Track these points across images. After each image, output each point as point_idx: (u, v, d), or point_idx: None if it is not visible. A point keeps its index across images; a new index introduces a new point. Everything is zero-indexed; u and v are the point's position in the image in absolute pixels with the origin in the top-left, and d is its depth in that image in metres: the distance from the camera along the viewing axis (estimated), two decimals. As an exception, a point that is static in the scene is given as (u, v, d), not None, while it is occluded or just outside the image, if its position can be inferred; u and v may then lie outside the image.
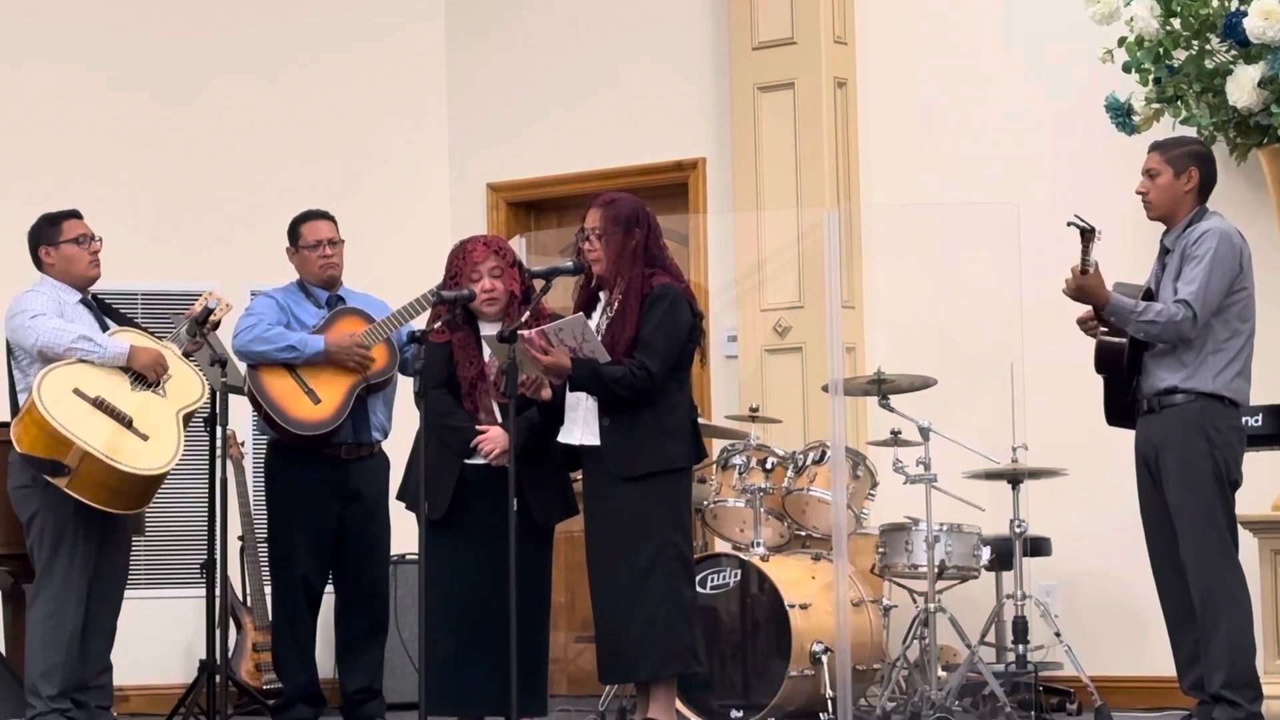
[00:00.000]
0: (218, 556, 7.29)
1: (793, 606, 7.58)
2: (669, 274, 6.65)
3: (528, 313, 6.66)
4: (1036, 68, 8.63)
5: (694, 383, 7.25)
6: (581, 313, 6.60)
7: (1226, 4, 7.49)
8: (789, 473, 7.98)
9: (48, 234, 7.25)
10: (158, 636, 8.95)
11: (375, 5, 9.94)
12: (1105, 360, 6.68)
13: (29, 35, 9.37)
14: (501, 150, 9.83)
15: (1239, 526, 6.64)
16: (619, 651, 6.55)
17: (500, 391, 6.63)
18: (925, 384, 7.90)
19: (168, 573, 9.21)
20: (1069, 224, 6.37)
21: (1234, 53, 7.48)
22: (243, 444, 9.06)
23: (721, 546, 8.27)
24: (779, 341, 8.88)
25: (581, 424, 6.63)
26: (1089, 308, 6.64)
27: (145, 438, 6.93)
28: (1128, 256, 7.16)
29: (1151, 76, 7.65)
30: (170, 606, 9.05)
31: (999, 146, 8.67)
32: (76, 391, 6.91)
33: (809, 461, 7.96)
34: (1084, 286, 6.49)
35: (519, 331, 6.46)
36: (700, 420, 6.91)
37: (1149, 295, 6.59)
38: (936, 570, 7.61)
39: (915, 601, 7.79)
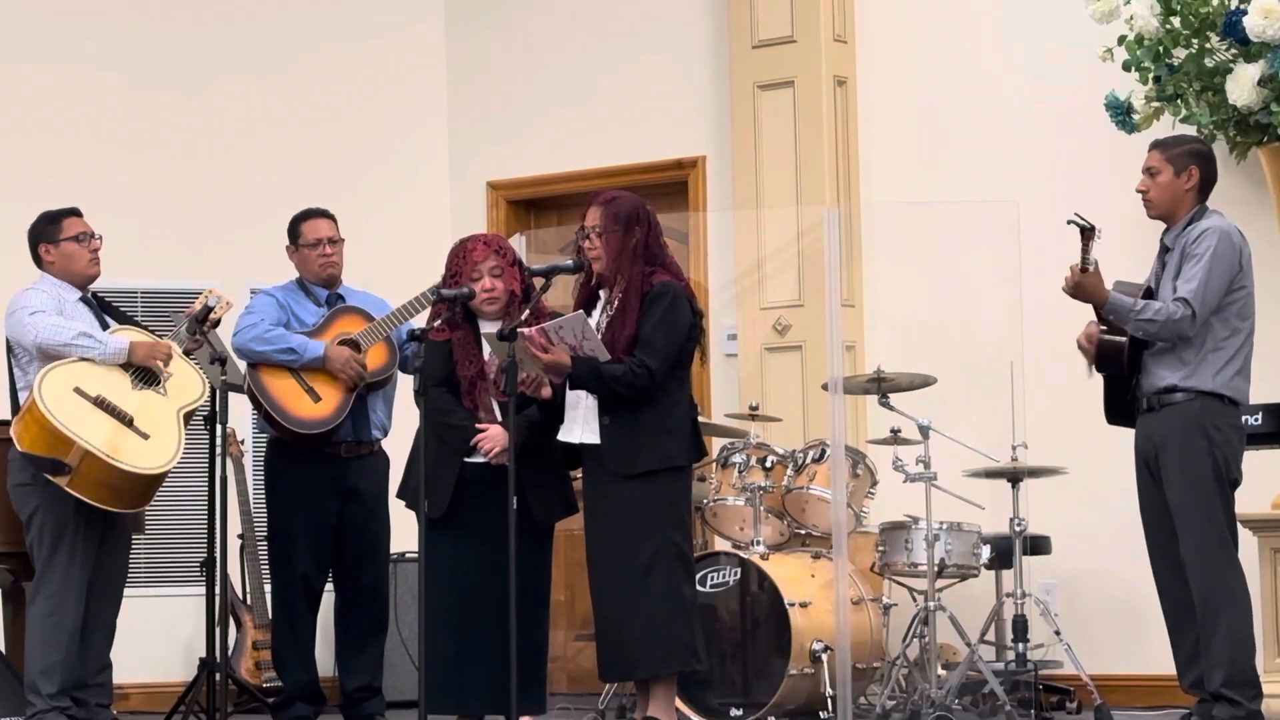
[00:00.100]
0: (218, 555, 7.29)
1: (792, 605, 7.58)
2: (669, 272, 6.64)
3: (528, 311, 6.66)
4: (1036, 67, 8.63)
5: (694, 381, 7.25)
6: (581, 311, 6.59)
7: (1226, 2, 7.48)
8: (789, 471, 7.98)
9: (48, 232, 7.24)
10: (158, 634, 8.95)
11: (375, 4, 9.93)
12: (1105, 359, 6.68)
13: (29, 35, 9.36)
14: (501, 148, 9.83)
15: (1239, 525, 6.64)
16: (619, 650, 6.55)
17: (500, 390, 6.62)
18: (925, 382, 7.90)
19: (168, 571, 9.21)
20: (1069, 222, 6.38)
21: (1234, 51, 7.48)
22: (243, 442, 9.06)
23: (721, 545, 8.26)
24: (779, 340, 8.88)
25: (581, 422, 6.63)
26: (1093, 343, 6.64)
27: (146, 437, 6.93)
28: (1128, 255, 7.15)
29: (1151, 75, 7.65)
30: (170, 604, 9.06)
31: (999, 145, 8.66)
32: (77, 390, 6.90)
33: (809, 460, 7.96)
34: (1083, 285, 6.48)
35: (519, 330, 6.45)
36: (700, 418, 6.90)
37: (1149, 294, 6.59)
38: (936, 569, 7.61)
39: (915, 600, 7.79)
